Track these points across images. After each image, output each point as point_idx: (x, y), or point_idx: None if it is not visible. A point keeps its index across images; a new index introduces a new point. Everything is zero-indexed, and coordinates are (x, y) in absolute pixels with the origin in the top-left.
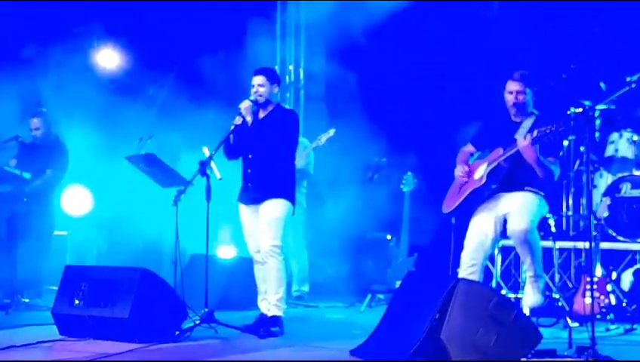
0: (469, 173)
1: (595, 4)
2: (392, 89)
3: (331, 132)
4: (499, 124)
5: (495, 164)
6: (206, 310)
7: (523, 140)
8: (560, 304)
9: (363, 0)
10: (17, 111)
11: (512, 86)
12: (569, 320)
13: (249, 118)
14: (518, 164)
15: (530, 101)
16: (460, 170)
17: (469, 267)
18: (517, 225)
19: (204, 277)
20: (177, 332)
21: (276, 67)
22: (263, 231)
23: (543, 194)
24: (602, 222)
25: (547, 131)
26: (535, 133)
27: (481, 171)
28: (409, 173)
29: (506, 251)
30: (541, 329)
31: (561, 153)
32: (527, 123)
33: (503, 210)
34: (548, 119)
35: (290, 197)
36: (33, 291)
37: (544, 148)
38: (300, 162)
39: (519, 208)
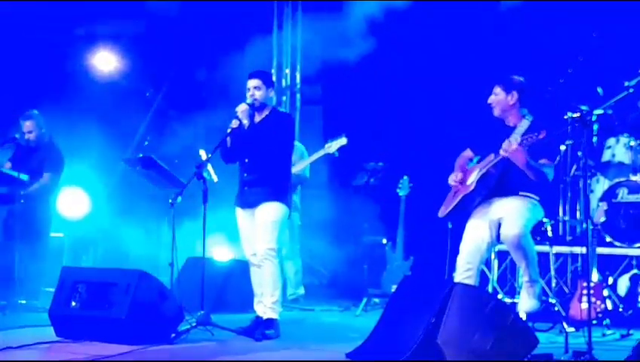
0: (464, 178)
1: (593, 9)
2: (388, 93)
3: (343, 140)
4: (494, 129)
5: (484, 170)
6: (202, 312)
7: (509, 145)
8: (556, 309)
9: (360, 0)
10: (13, 112)
11: (493, 89)
12: (565, 325)
13: (245, 122)
14: (508, 170)
15: (517, 105)
16: (452, 178)
17: (464, 271)
18: (510, 230)
19: (200, 279)
20: (173, 335)
21: (272, 70)
22: (259, 234)
23: (537, 198)
24: (599, 227)
25: (531, 139)
26: (519, 139)
27: (472, 177)
28: (405, 178)
29: (502, 256)
30: (537, 334)
31: (557, 158)
32: (521, 128)
33: (498, 214)
34: (543, 125)
35: (287, 201)
36: (30, 292)
37: (536, 151)
38: (298, 167)
39: (512, 213)
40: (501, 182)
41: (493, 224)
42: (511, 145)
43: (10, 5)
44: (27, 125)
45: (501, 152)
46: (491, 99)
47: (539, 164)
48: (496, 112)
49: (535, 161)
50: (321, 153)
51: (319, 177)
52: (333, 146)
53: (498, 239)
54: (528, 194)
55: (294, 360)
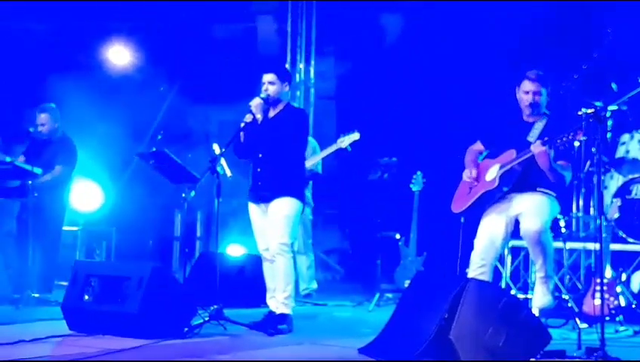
0: (479, 173)
1: (607, 5)
2: (402, 88)
3: (356, 135)
4: (510, 124)
5: (508, 167)
6: (215, 307)
7: (539, 146)
8: (569, 305)
9: (374, 0)
10: (27, 105)
11: (529, 86)
12: (578, 321)
13: (259, 116)
14: (531, 167)
15: (545, 102)
16: (467, 174)
17: (478, 267)
18: (531, 225)
19: (213, 274)
20: (186, 329)
21: (287, 65)
22: (272, 229)
23: (554, 194)
24: (612, 223)
25: (564, 139)
26: (548, 140)
27: (493, 173)
28: (419, 173)
29: (515, 251)
30: (550, 330)
31: (572, 153)
32: (540, 124)
33: (515, 210)
34: (560, 121)
35: (300, 196)
36: (43, 286)
37: (557, 152)
38: (310, 162)
39: (532, 209)
40: (521, 179)
41: (509, 220)
42: (539, 147)
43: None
44: (42, 117)
45: (532, 149)
46: (536, 98)
47: (559, 166)
48: (529, 109)
49: (554, 161)
50: (333, 148)
51: (332, 172)
52: (346, 141)
53: (513, 235)
54: (546, 190)
55: (307, 354)
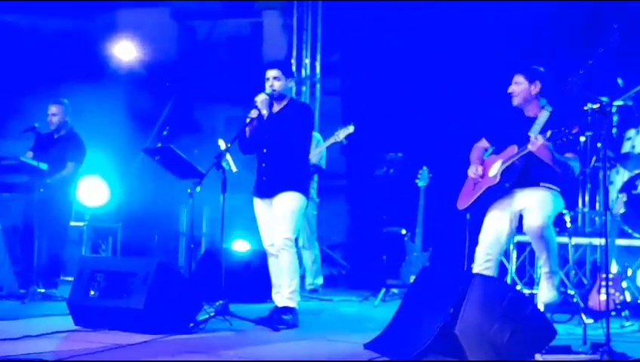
0: (484, 169)
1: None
2: (407, 83)
3: (350, 128)
4: (513, 120)
5: (509, 162)
6: (221, 302)
7: (535, 141)
8: (575, 300)
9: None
10: (32, 101)
11: (514, 78)
12: (584, 317)
13: (265, 111)
14: (532, 162)
15: (537, 95)
16: (472, 171)
17: (484, 262)
18: (533, 221)
19: (219, 269)
20: (192, 324)
21: (292, 61)
22: (277, 224)
23: (558, 190)
24: (618, 218)
25: (563, 134)
26: (548, 133)
27: (495, 169)
28: (424, 168)
29: (521, 247)
30: (556, 326)
31: (577, 148)
32: (542, 119)
33: (519, 206)
34: (562, 116)
35: (304, 191)
36: (49, 282)
37: (561, 145)
38: (313, 157)
39: (535, 204)
40: (523, 174)
41: (514, 215)
42: (537, 141)
43: None
44: (53, 109)
45: (529, 147)
46: (512, 88)
47: (565, 157)
48: (517, 102)
49: (560, 154)
50: (330, 141)
51: (338, 168)
52: (341, 134)
53: (518, 230)
54: (549, 185)
55: (312, 350)
